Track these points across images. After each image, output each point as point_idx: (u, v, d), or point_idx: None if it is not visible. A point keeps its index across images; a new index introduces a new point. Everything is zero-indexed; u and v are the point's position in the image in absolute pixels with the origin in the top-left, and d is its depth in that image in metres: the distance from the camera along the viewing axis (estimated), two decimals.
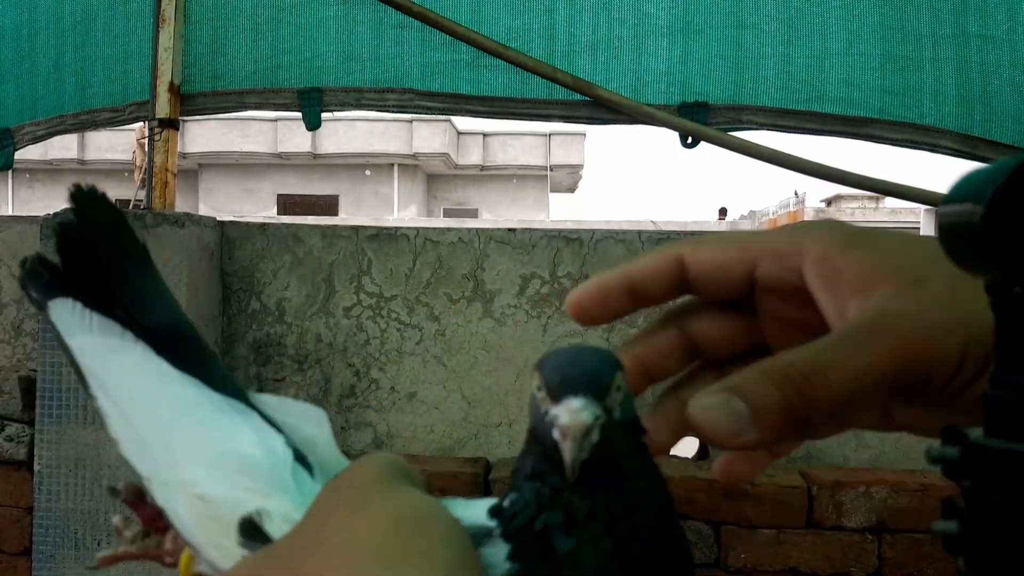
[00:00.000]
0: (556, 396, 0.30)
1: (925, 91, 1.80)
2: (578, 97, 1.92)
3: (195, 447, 0.41)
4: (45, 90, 2.07)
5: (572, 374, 0.30)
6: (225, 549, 0.39)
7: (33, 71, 2.08)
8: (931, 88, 1.80)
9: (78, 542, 1.65)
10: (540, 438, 0.31)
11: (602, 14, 1.86)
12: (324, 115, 1.96)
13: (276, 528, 0.37)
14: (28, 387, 1.78)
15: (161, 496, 0.42)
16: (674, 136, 1.94)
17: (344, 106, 1.96)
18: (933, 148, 1.85)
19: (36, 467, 1.68)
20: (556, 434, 0.30)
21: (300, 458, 0.42)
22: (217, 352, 1.89)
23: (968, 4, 1.79)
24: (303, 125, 1.97)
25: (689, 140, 1.92)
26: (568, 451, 0.29)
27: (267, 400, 0.46)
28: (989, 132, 1.79)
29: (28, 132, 2.09)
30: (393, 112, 1.98)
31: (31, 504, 1.71)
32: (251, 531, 0.38)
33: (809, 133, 1.86)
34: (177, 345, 0.45)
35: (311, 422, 0.46)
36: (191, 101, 1.97)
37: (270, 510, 0.38)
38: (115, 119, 2.04)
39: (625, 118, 1.93)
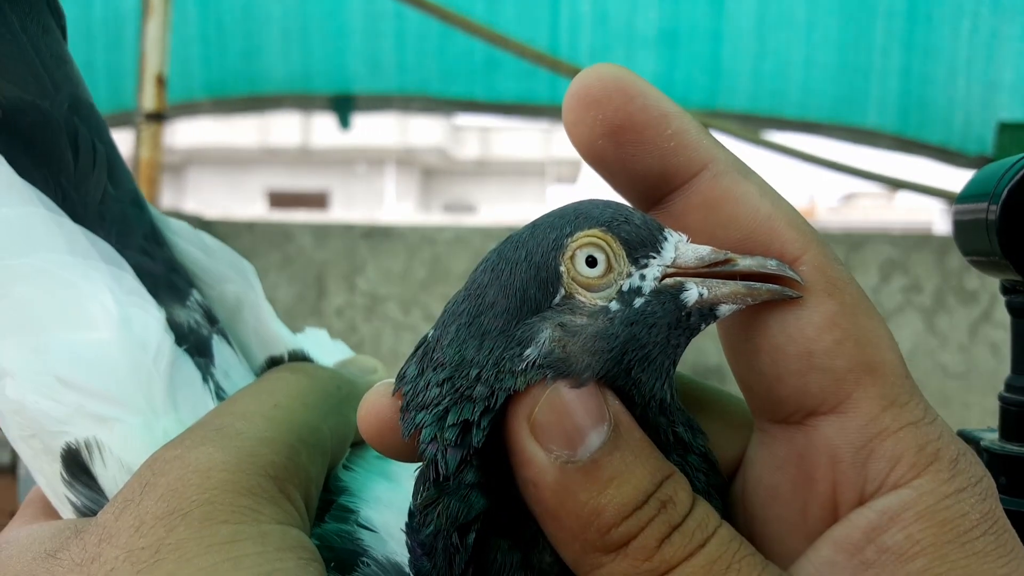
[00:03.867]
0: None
1: (871, 98, 2.04)
2: None
3: (16, 314, 0.27)
4: None
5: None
6: (49, 480, 0.28)
7: None
8: (876, 95, 2.04)
9: None
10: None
11: (599, 29, 2.12)
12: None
13: (109, 473, 0.26)
14: None
15: None
16: None
17: (373, 110, 2.16)
18: (872, 147, 2.10)
19: (20, 472, 1.67)
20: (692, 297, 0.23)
21: (198, 340, 0.29)
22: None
23: (918, 17, 1.98)
24: (291, 118, 2.10)
25: None
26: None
27: (180, 231, 0.33)
28: (921, 134, 2.03)
29: None
30: (417, 115, 2.14)
31: (16, 508, 1.70)
32: (76, 467, 0.27)
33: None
34: (37, 136, 0.29)
35: (235, 274, 0.33)
36: (227, 105, 2.09)
37: (105, 442, 0.26)
38: None
39: None
